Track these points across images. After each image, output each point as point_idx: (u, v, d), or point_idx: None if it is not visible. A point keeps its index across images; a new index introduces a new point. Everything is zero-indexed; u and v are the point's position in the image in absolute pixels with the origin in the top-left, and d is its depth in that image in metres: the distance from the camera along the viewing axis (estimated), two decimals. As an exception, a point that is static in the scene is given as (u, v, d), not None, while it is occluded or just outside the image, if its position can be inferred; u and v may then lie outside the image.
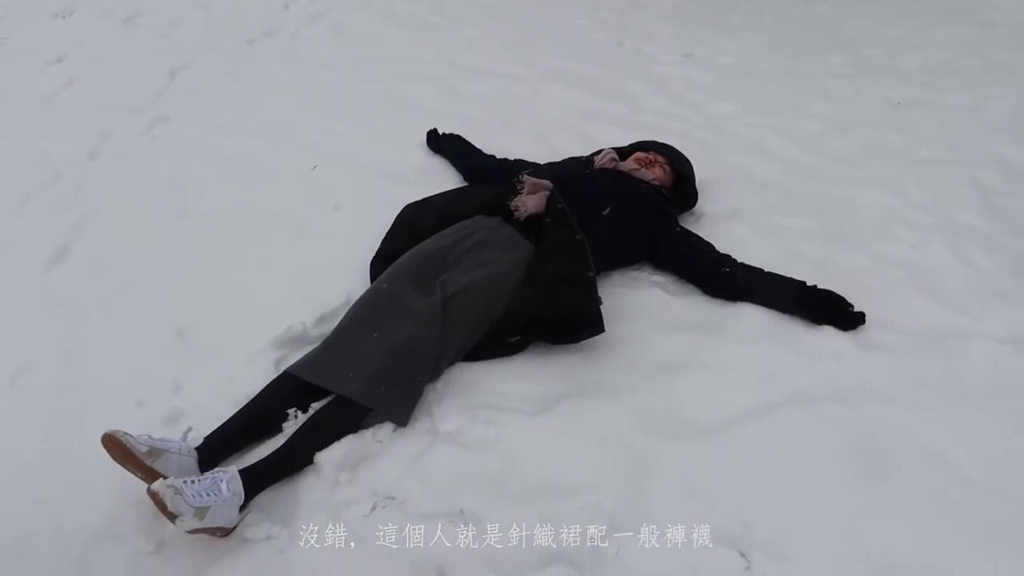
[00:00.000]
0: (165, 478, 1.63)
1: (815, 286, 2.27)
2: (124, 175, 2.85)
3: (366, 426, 1.92)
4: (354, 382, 1.89)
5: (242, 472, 1.74)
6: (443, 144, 3.03)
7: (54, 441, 1.89)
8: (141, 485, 1.74)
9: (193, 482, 1.65)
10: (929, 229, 2.61)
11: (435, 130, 3.07)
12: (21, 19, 4.13)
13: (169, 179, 2.82)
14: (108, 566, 1.64)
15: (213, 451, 1.82)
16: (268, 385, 1.97)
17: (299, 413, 1.94)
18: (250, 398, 1.95)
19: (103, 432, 1.69)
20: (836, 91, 3.59)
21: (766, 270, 2.34)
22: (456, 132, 3.07)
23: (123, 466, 1.70)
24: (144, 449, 1.71)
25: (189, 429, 1.84)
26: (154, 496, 1.58)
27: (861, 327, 2.21)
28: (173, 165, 2.91)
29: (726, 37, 4.18)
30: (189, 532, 1.62)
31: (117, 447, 1.68)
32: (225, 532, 1.69)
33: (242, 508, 1.72)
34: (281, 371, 2.00)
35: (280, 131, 3.17)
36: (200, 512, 1.61)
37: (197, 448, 1.81)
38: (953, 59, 3.87)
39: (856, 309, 2.23)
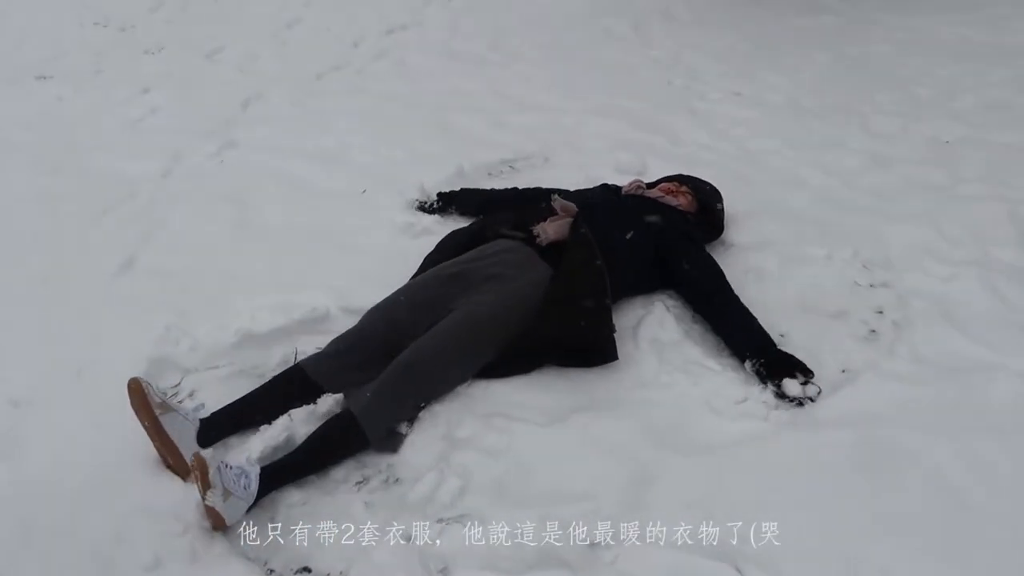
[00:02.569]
0: (169, 435, 1.89)
1: (781, 350, 2.21)
2: (191, 193, 3.11)
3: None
4: (360, 401, 1.99)
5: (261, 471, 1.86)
6: (452, 202, 2.95)
7: (106, 429, 2.04)
8: (175, 477, 1.93)
9: (228, 467, 1.78)
10: (961, 263, 2.59)
11: (432, 201, 2.97)
12: (117, 55, 4.53)
13: (231, 197, 3.06)
14: (139, 542, 1.78)
15: (213, 428, 2.01)
16: (276, 377, 2.13)
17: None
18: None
19: (131, 377, 1.91)
20: (882, 128, 3.59)
21: (754, 319, 2.29)
22: (492, 164, 3.27)
23: (136, 412, 1.90)
24: (158, 400, 1.92)
25: (202, 405, 2.06)
26: (200, 461, 1.73)
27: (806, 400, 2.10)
28: (236, 185, 3.15)
29: (777, 76, 4.23)
30: (206, 505, 1.74)
31: (138, 392, 1.89)
32: (222, 525, 1.78)
33: (249, 509, 1.82)
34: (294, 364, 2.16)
35: (337, 157, 3.39)
36: (226, 495, 1.74)
37: (201, 419, 2.00)
38: (1008, 99, 3.82)
39: (813, 382, 2.13)
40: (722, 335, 2.30)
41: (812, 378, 2.14)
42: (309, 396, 2.09)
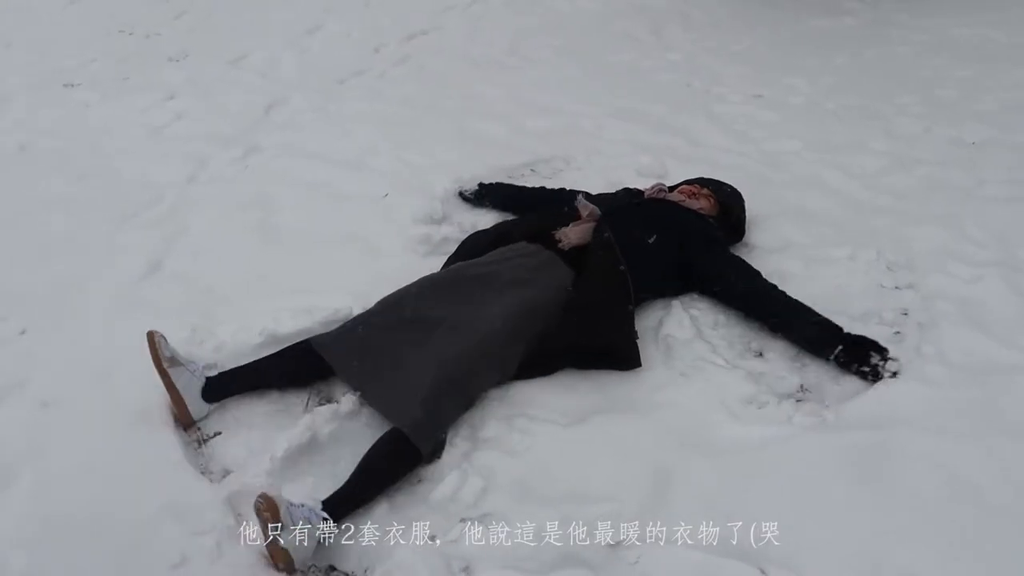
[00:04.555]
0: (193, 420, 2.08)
1: (851, 333, 2.24)
2: (215, 197, 3.14)
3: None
4: (406, 414, 1.95)
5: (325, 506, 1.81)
6: (484, 195, 3.03)
7: (132, 429, 2.08)
8: (198, 477, 1.97)
9: (298, 506, 1.73)
10: (986, 265, 2.57)
11: (472, 190, 3.07)
12: (142, 62, 4.59)
13: (254, 201, 3.09)
14: (165, 540, 1.81)
15: (219, 386, 2.12)
16: (285, 348, 2.21)
17: (310, 399, 2.18)
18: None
19: (148, 330, 2.08)
20: (903, 130, 3.56)
21: (808, 310, 2.30)
22: (512, 167, 3.27)
23: (152, 360, 2.05)
24: (167, 354, 2.07)
25: (214, 364, 2.22)
26: (270, 501, 1.67)
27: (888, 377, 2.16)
28: (259, 189, 3.19)
29: (797, 78, 4.21)
30: (280, 548, 1.69)
31: (151, 344, 2.05)
32: (290, 568, 1.74)
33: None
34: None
35: (359, 161, 3.41)
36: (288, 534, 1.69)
37: (208, 377, 2.11)
38: (1031, 99, 3.79)
39: (892, 355, 2.19)
40: (783, 335, 2.30)
41: (887, 354, 2.18)
42: (314, 371, 2.17)
